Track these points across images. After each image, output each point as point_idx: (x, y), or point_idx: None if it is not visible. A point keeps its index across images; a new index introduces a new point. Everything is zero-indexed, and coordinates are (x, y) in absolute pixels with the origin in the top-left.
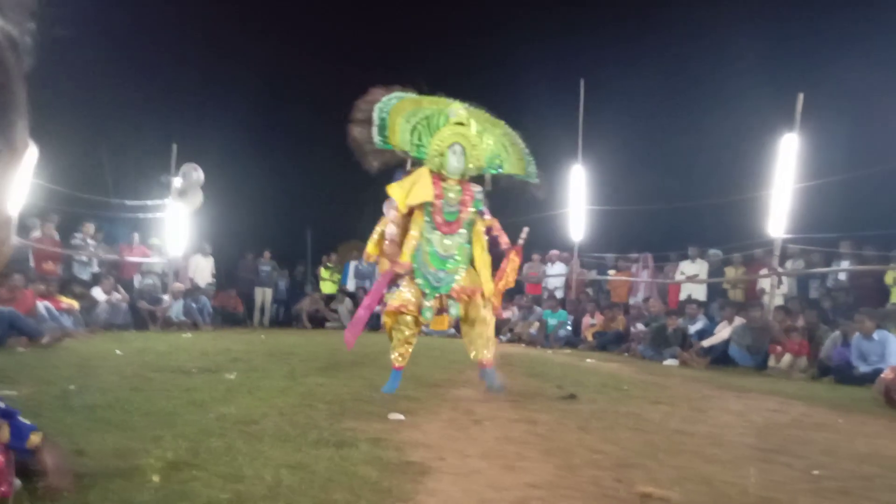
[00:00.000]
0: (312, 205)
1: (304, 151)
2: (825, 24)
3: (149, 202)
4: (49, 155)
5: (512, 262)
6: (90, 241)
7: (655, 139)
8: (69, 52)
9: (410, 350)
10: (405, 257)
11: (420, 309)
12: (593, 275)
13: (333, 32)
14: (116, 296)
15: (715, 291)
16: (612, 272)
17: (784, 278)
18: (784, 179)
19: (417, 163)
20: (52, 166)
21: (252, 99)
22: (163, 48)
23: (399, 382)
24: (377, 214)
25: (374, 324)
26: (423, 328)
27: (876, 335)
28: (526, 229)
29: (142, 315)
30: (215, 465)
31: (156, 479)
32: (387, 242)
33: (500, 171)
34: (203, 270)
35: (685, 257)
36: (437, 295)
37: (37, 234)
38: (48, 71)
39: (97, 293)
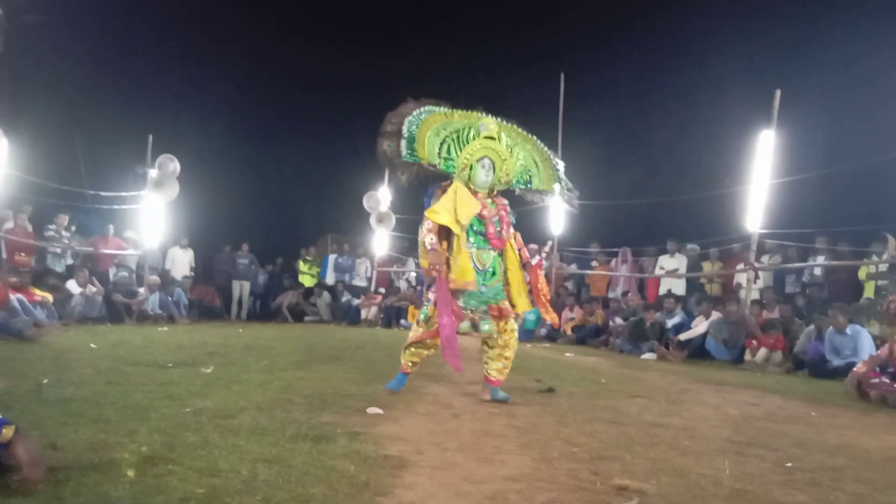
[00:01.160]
0: (291, 197)
1: (282, 142)
2: (803, 22)
3: (124, 193)
4: (22, 145)
5: (541, 278)
6: (64, 233)
7: (635, 134)
8: (42, 40)
9: (422, 358)
10: (469, 275)
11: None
12: (573, 269)
13: (312, 22)
14: (91, 289)
15: (693, 286)
16: (595, 263)
17: (760, 273)
18: (761, 175)
19: (443, 176)
20: (24, 156)
21: (229, 89)
22: (139, 36)
23: (404, 385)
24: (357, 207)
25: (353, 318)
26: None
27: (849, 330)
28: (550, 243)
29: (117, 308)
30: (191, 460)
31: (131, 473)
32: (429, 251)
33: (529, 186)
34: (181, 263)
35: (664, 252)
36: (473, 309)
37: (9, 225)
38: (20, 59)
39: (72, 286)
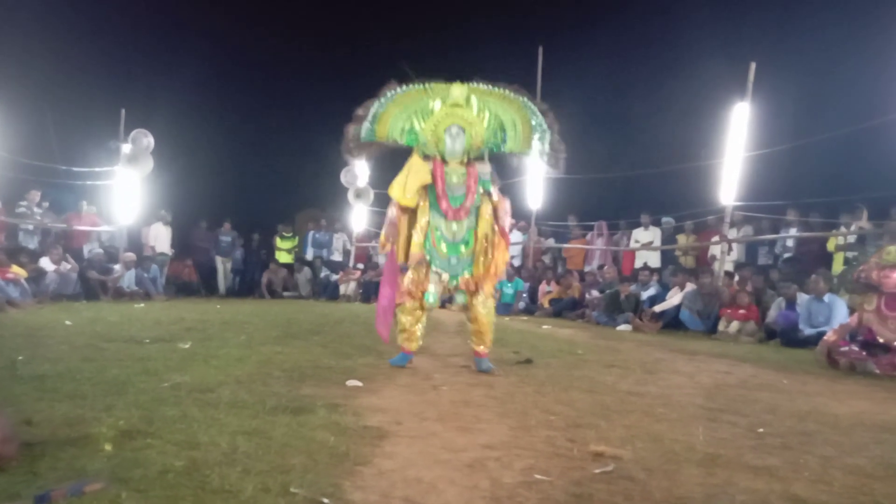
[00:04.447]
0: (268, 172)
1: (258, 116)
2: None
3: (97, 169)
4: None
5: (500, 247)
6: (36, 210)
7: (611, 108)
8: (12, 12)
9: (418, 332)
10: (416, 248)
11: (423, 293)
12: (550, 243)
13: None
14: (65, 266)
15: (668, 258)
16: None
17: (734, 245)
18: (735, 148)
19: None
20: None
21: (203, 63)
22: (111, 8)
23: (407, 361)
24: (334, 182)
25: (331, 293)
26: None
27: (826, 297)
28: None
29: (92, 285)
30: (169, 433)
31: (108, 447)
32: (387, 225)
33: (503, 149)
34: (163, 239)
35: (639, 225)
36: (447, 280)
37: None
38: None
39: (45, 263)
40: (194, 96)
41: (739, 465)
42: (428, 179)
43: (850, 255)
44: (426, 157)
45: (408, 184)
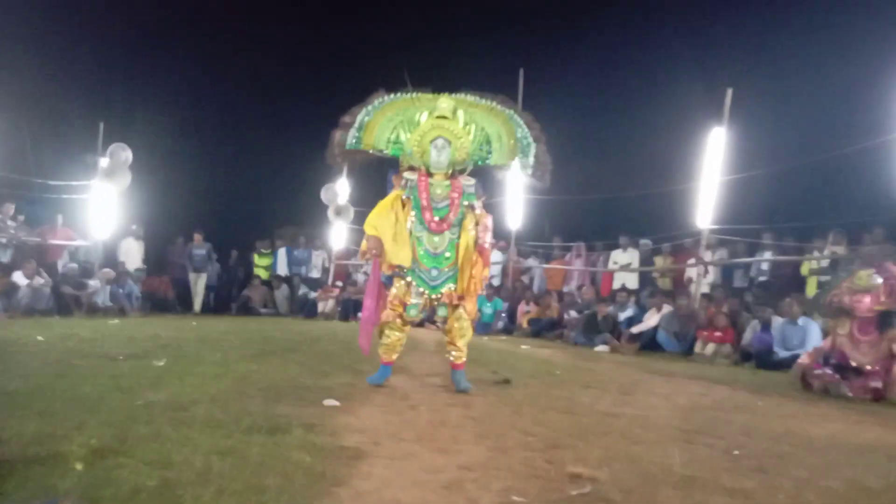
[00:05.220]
0: (247, 188)
1: (238, 133)
2: (755, 22)
3: (73, 183)
4: None
5: (476, 266)
6: (10, 223)
7: (590, 131)
8: None
9: (400, 346)
10: (406, 259)
11: (405, 306)
12: (530, 263)
13: (265, 10)
14: (39, 280)
15: (646, 280)
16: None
17: (710, 268)
18: (712, 172)
19: (391, 161)
20: None
21: (183, 76)
22: (89, 20)
23: (387, 377)
24: (314, 199)
25: (309, 311)
26: None
27: (800, 321)
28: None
29: (66, 300)
30: (142, 452)
31: (79, 465)
32: (369, 235)
33: (487, 162)
34: (134, 254)
35: (617, 247)
36: (428, 294)
37: None
38: None
39: (18, 277)
40: (174, 110)
41: (716, 487)
42: (407, 262)
43: (822, 279)
44: (411, 169)
45: (393, 253)
